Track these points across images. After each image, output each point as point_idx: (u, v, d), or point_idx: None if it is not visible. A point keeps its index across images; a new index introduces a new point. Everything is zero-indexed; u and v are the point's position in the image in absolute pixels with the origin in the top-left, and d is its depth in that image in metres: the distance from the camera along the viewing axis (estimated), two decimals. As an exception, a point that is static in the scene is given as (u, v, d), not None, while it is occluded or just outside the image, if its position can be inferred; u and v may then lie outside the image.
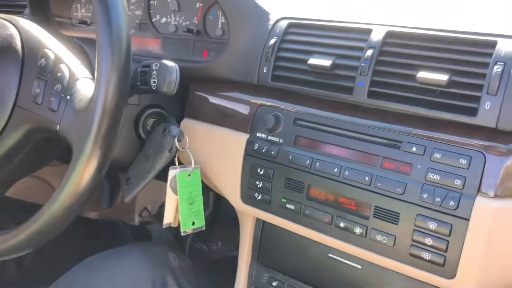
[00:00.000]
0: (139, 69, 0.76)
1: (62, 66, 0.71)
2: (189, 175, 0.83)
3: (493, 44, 0.61)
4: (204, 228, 0.87)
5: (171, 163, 0.85)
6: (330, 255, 0.78)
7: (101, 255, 0.89)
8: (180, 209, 0.82)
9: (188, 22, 0.96)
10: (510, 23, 0.63)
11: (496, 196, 0.60)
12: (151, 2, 1.01)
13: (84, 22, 1.08)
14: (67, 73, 0.70)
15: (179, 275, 0.86)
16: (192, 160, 0.85)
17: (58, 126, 0.67)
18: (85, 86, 0.70)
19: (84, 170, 0.63)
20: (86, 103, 0.66)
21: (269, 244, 0.85)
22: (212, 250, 1.53)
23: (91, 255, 0.90)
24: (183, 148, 0.85)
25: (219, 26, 0.92)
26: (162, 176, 0.87)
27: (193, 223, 0.84)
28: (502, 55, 0.60)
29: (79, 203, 0.65)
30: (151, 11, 1.01)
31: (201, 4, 0.94)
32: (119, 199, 1.73)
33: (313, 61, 0.74)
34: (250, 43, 0.82)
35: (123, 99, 0.63)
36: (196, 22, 0.95)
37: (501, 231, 0.60)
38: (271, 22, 0.81)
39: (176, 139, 0.84)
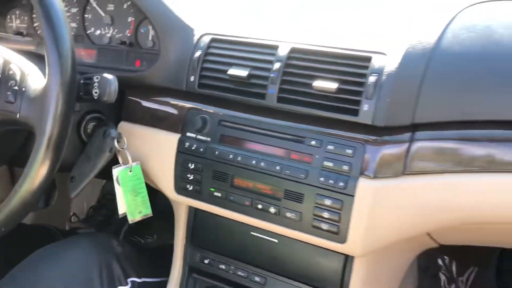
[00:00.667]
0: (81, 81, 0.86)
1: (12, 66, 0.82)
2: (130, 171, 0.95)
3: (369, 59, 0.79)
4: (151, 215, 0.99)
5: (114, 163, 0.96)
6: (252, 233, 0.93)
7: (51, 246, 0.98)
8: (125, 201, 0.94)
9: (121, 35, 1.07)
10: (382, 42, 0.81)
11: (374, 177, 0.78)
12: (86, 16, 1.10)
13: (20, 33, 1.15)
14: (17, 71, 0.82)
15: (123, 259, 0.98)
16: (130, 158, 0.96)
17: (18, 114, 0.79)
18: (35, 79, 0.82)
19: (49, 143, 0.75)
20: (40, 92, 0.78)
21: (201, 228, 0.99)
22: (148, 243, 1.64)
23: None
24: (122, 148, 0.97)
25: (150, 38, 1.04)
26: (106, 175, 0.97)
27: (140, 212, 0.96)
28: (376, 67, 0.78)
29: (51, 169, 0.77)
30: (85, 24, 1.11)
31: (133, 19, 1.05)
32: (55, 200, 1.78)
33: (232, 71, 0.88)
34: (178, 54, 0.95)
35: (70, 101, 0.76)
36: (129, 34, 1.06)
37: (379, 204, 0.78)
38: (196, 37, 0.95)
39: (115, 140, 0.95)
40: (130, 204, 0.94)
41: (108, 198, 1.69)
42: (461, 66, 0.76)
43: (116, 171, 0.94)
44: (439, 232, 0.87)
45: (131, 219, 0.95)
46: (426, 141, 0.77)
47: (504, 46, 0.76)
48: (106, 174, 0.96)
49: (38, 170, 0.77)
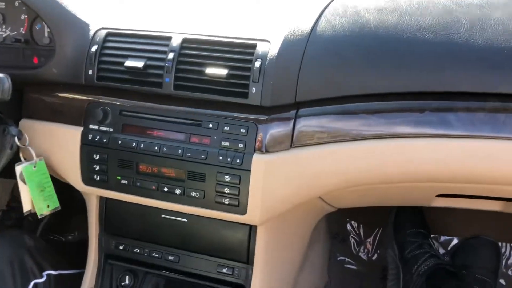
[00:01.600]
0: None
1: None
2: (34, 167, 0.96)
3: (254, 46, 0.87)
4: (59, 208, 1.01)
5: (17, 160, 0.96)
6: (162, 215, 0.98)
7: None
8: (32, 197, 0.95)
9: (15, 32, 1.06)
10: (265, 30, 0.89)
11: (266, 152, 0.86)
12: (-25, 15, 1.08)
13: None
14: None
15: (36, 253, 0.99)
16: (34, 154, 0.97)
17: None
18: None
19: None
20: None
21: (113, 216, 1.03)
22: (69, 240, 1.63)
23: None
24: (24, 145, 0.97)
25: (46, 35, 1.04)
26: (10, 174, 0.98)
27: (48, 206, 0.98)
28: (260, 54, 0.86)
29: None
30: (-24, 23, 1.08)
31: (26, 16, 1.05)
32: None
33: (128, 63, 0.92)
34: (74, 49, 0.97)
35: None
36: (23, 32, 1.05)
37: (272, 175, 0.86)
38: (92, 31, 0.97)
39: (15, 137, 0.96)
40: (38, 200, 0.95)
41: (19, 200, 1.65)
42: (334, 48, 0.86)
43: (19, 168, 0.95)
44: (330, 196, 0.98)
45: (40, 214, 0.96)
46: (309, 117, 0.87)
47: (368, 29, 0.86)
48: (10, 173, 0.97)
49: None
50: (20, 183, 0.95)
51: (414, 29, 0.86)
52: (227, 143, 0.87)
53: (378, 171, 0.88)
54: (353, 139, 0.86)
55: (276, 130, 0.86)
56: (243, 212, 0.88)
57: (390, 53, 0.86)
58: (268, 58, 0.85)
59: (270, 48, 0.86)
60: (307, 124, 0.86)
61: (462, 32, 0.84)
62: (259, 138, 0.86)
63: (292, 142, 0.86)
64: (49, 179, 0.98)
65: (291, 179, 0.87)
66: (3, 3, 1.07)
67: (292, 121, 0.86)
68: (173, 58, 0.90)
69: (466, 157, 0.86)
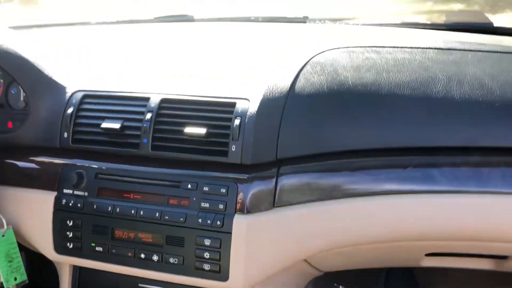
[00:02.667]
0: None
1: None
2: (3, 235, 0.91)
3: (233, 104, 0.86)
4: (27, 281, 0.94)
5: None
6: (140, 284, 0.92)
7: None
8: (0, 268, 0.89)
9: None
10: (244, 88, 0.89)
11: (248, 212, 0.82)
12: (-50, 80, 1.06)
13: None
14: None
15: None
16: (4, 221, 0.92)
17: None
18: None
19: None
20: None
21: (87, 286, 0.96)
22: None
23: None
24: (-6, 213, 0.92)
25: (22, 99, 1.02)
26: None
27: (15, 279, 0.91)
28: (239, 111, 0.85)
29: None
30: (-50, 88, 1.06)
31: (1, 81, 1.04)
32: None
33: (105, 125, 0.90)
34: (50, 112, 0.95)
35: None
36: None
37: (254, 238, 0.82)
38: (68, 94, 0.96)
39: None
40: (5, 270, 0.89)
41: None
42: (314, 105, 0.86)
43: (-14, 236, 0.89)
44: (316, 259, 0.93)
45: (7, 286, 0.90)
46: (291, 175, 0.84)
47: (346, 86, 0.87)
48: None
49: None
50: (-14, 253, 0.89)
51: (392, 86, 0.86)
52: (206, 204, 0.84)
53: (363, 230, 0.85)
54: (337, 197, 0.84)
55: (258, 189, 0.83)
56: (225, 278, 0.83)
57: (369, 109, 0.86)
58: (247, 116, 0.84)
59: (249, 106, 0.85)
60: (289, 182, 0.84)
61: (439, 88, 0.85)
62: (240, 198, 0.83)
63: (275, 201, 0.83)
64: (17, 249, 0.93)
65: (274, 241, 0.83)
66: None
67: (274, 179, 0.83)
68: (151, 118, 0.88)
69: (452, 213, 0.84)
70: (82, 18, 1.47)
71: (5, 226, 0.92)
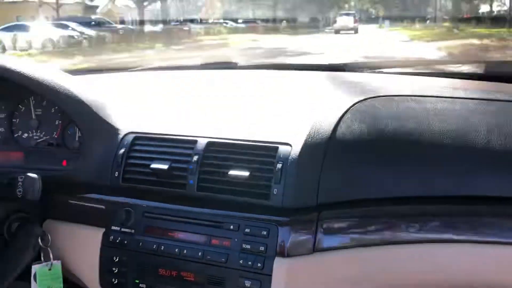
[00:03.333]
0: (5, 181, 0.89)
1: None
2: (49, 269, 0.95)
3: (275, 149, 0.89)
4: None
5: (36, 260, 0.96)
6: None
7: None
8: (42, 301, 0.93)
9: (48, 137, 1.12)
10: (287, 133, 0.92)
11: (288, 256, 0.84)
12: (14, 120, 1.15)
13: None
14: None
15: None
16: (51, 255, 0.97)
17: None
18: None
19: None
20: None
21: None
22: None
23: None
24: (45, 246, 0.97)
25: (76, 139, 1.09)
26: (26, 275, 0.97)
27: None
28: (281, 156, 0.88)
29: None
30: (13, 128, 1.15)
31: (60, 122, 1.11)
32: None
33: (154, 165, 0.95)
34: (102, 152, 1.01)
35: None
36: (56, 136, 1.11)
37: (294, 281, 0.84)
38: (120, 135, 1.02)
39: (39, 238, 0.96)
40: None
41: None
42: (355, 152, 0.88)
43: (34, 268, 0.94)
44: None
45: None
46: (331, 220, 0.86)
47: (387, 134, 0.89)
48: (25, 273, 0.96)
49: None
50: (32, 284, 0.94)
51: (433, 135, 0.88)
52: (248, 246, 0.86)
53: (405, 276, 0.85)
54: (377, 244, 0.85)
55: (298, 233, 0.85)
56: (263, 320, 0.84)
57: (410, 157, 0.88)
58: (289, 160, 0.87)
59: (291, 151, 0.88)
60: (329, 227, 0.85)
61: (480, 138, 0.86)
62: (280, 241, 0.85)
63: (315, 246, 0.85)
64: (61, 285, 0.97)
65: (314, 285, 0.84)
66: (40, 110, 1.14)
67: (315, 223, 0.85)
68: (197, 160, 0.92)
69: (496, 264, 0.83)
70: (133, 63, 1.56)
71: (52, 260, 0.97)
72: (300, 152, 0.87)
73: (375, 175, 0.86)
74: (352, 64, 1.40)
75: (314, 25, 28.41)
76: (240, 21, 26.56)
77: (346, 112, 0.94)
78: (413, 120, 0.92)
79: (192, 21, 24.17)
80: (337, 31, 22.58)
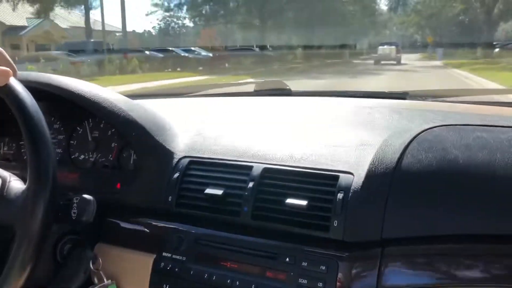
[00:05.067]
0: (61, 202, 0.89)
1: None
2: (107, 288, 0.94)
3: (336, 178, 0.84)
4: None
5: (90, 283, 0.94)
6: None
7: None
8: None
9: (104, 159, 1.12)
10: (347, 162, 0.87)
11: (349, 293, 0.78)
12: (71, 142, 1.16)
13: (7, 159, 1.20)
14: None
15: None
16: (105, 278, 0.95)
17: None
18: (16, 185, 0.86)
19: (30, 241, 0.78)
20: (21, 194, 0.83)
21: None
22: None
23: None
24: (97, 270, 0.96)
25: (131, 162, 1.09)
26: None
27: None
28: (343, 185, 0.83)
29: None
30: (70, 149, 1.16)
31: (116, 144, 1.12)
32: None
33: (209, 191, 0.92)
34: (157, 176, 1.00)
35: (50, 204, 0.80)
36: (111, 159, 1.11)
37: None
38: (175, 160, 1.00)
39: (90, 262, 0.95)
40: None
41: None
42: (422, 184, 0.82)
43: (92, 290, 0.92)
44: None
45: None
46: (396, 257, 0.79)
47: (457, 165, 0.82)
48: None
49: (18, 269, 0.77)
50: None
51: (508, 167, 0.81)
52: (304, 281, 0.81)
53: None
54: (445, 284, 0.77)
55: (360, 269, 0.79)
56: None
57: (483, 192, 0.80)
58: (351, 191, 0.82)
59: (353, 180, 0.83)
60: (394, 264, 0.79)
61: None
62: (340, 278, 0.79)
63: (378, 284, 0.78)
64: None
65: (377, 327, 0.77)
66: (97, 132, 1.15)
67: (378, 260, 0.79)
68: (253, 187, 0.89)
69: None
70: (188, 89, 1.57)
71: (105, 281, 0.95)
72: (364, 182, 0.82)
73: (445, 210, 0.79)
74: (414, 92, 1.34)
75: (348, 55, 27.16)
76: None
77: (411, 141, 0.88)
78: (485, 151, 0.85)
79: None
80: (377, 62, 21.46)
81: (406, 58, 22.65)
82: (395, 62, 20.52)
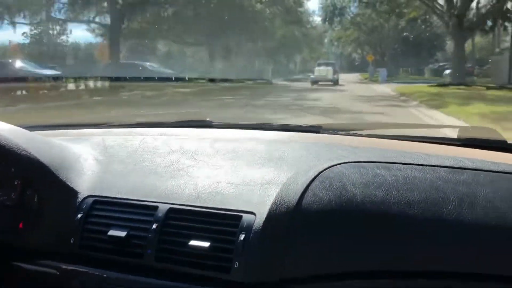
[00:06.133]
0: None
1: None
2: None
3: (239, 218, 0.85)
4: None
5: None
6: None
7: None
8: None
9: (6, 197, 1.06)
10: (251, 201, 0.88)
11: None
12: (-30, 179, 1.09)
13: None
14: None
15: None
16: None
17: None
18: None
19: None
20: None
21: None
22: None
23: None
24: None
25: (35, 200, 1.04)
26: None
27: None
28: (245, 226, 0.84)
29: None
30: (-30, 187, 1.09)
31: (19, 182, 1.06)
32: None
33: (112, 233, 0.90)
34: (60, 217, 0.96)
35: None
36: (14, 197, 1.06)
37: None
38: (79, 199, 0.97)
39: None
40: None
41: None
42: (321, 223, 0.84)
43: None
44: None
45: None
46: (296, 296, 0.81)
47: (355, 203, 0.85)
48: None
49: None
50: None
51: (402, 205, 0.85)
52: (206, 323, 0.80)
53: None
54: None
55: (259, 310, 0.80)
56: None
57: (377, 229, 0.84)
58: (252, 231, 0.83)
59: (255, 220, 0.84)
60: (293, 304, 0.80)
61: (450, 209, 0.83)
62: None
63: (277, 324, 0.79)
64: None
65: None
66: None
67: (273, 301, 0.80)
68: (157, 229, 0.88)
69: None
70: (96, 119, 1.52)
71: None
72: (264, 223, 0.83)
73: (343, 248, 0.82)
74: (327, 126, 1.38)
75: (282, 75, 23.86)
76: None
77: (313, 179, 0.91)
78: (382, 189, 0.89)
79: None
80: (313, 83, 19.84)
81: (344, 79, 21.16)
82: (332, 83, 20.00)
